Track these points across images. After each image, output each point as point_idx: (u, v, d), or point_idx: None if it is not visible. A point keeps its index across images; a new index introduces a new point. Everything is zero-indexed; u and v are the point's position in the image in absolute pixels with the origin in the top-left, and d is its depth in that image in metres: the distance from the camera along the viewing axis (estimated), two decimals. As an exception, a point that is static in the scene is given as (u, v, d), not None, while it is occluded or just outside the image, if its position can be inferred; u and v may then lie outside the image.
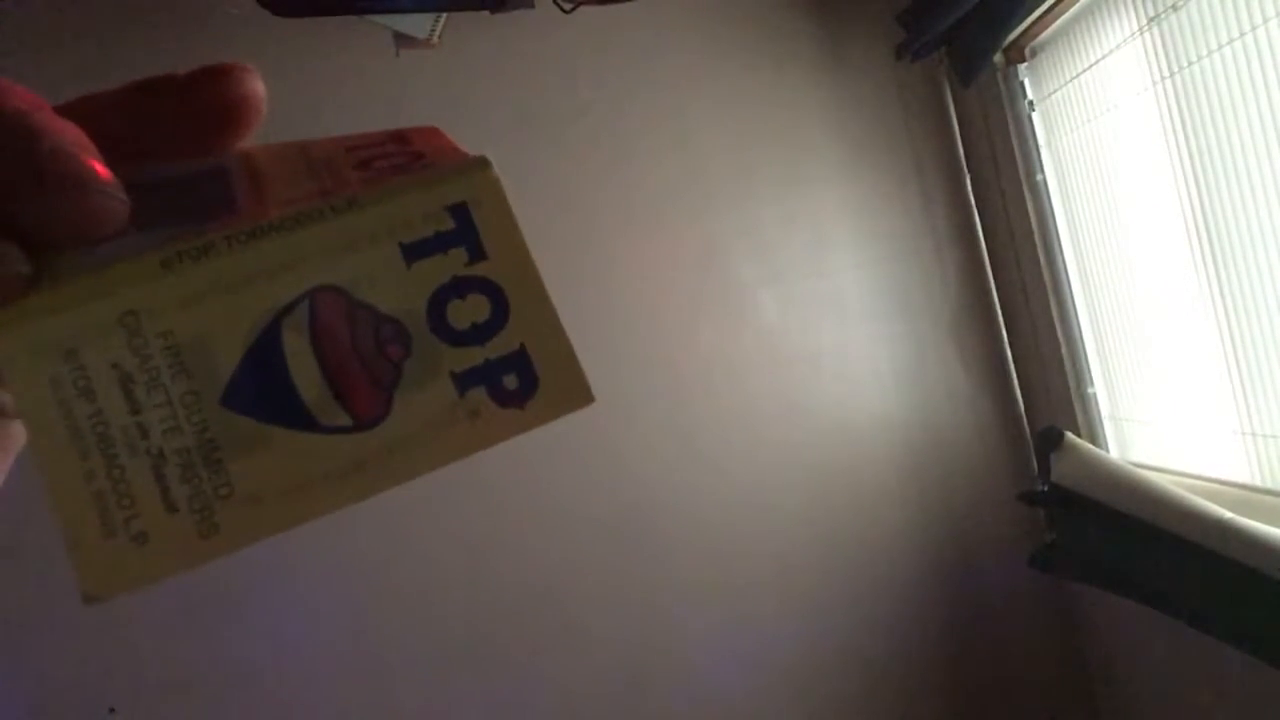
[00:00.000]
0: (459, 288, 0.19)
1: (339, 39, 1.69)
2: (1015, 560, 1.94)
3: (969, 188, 2.04)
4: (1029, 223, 1.89)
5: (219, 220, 0.18)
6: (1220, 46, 1.31)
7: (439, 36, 1.62)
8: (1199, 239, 1.45)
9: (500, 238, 0.20)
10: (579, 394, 0.20)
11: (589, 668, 1.81)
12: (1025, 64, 1.85)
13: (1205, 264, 1.45)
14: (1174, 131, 1.45)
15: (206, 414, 0.18)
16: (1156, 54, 1.45)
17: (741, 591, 1.88)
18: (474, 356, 0.19)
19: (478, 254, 0.19)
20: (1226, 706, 1.57)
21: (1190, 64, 1.38)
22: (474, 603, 1.76)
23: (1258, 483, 1.44)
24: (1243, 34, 1.27)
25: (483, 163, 0.20)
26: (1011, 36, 1.75)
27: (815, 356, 1.95)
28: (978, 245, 2.05)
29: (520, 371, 0.20)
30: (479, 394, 0.19)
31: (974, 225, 2.05)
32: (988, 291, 2.05)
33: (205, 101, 0.20)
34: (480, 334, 0.19)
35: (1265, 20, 1.22)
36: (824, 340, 1.96)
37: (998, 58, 1.85)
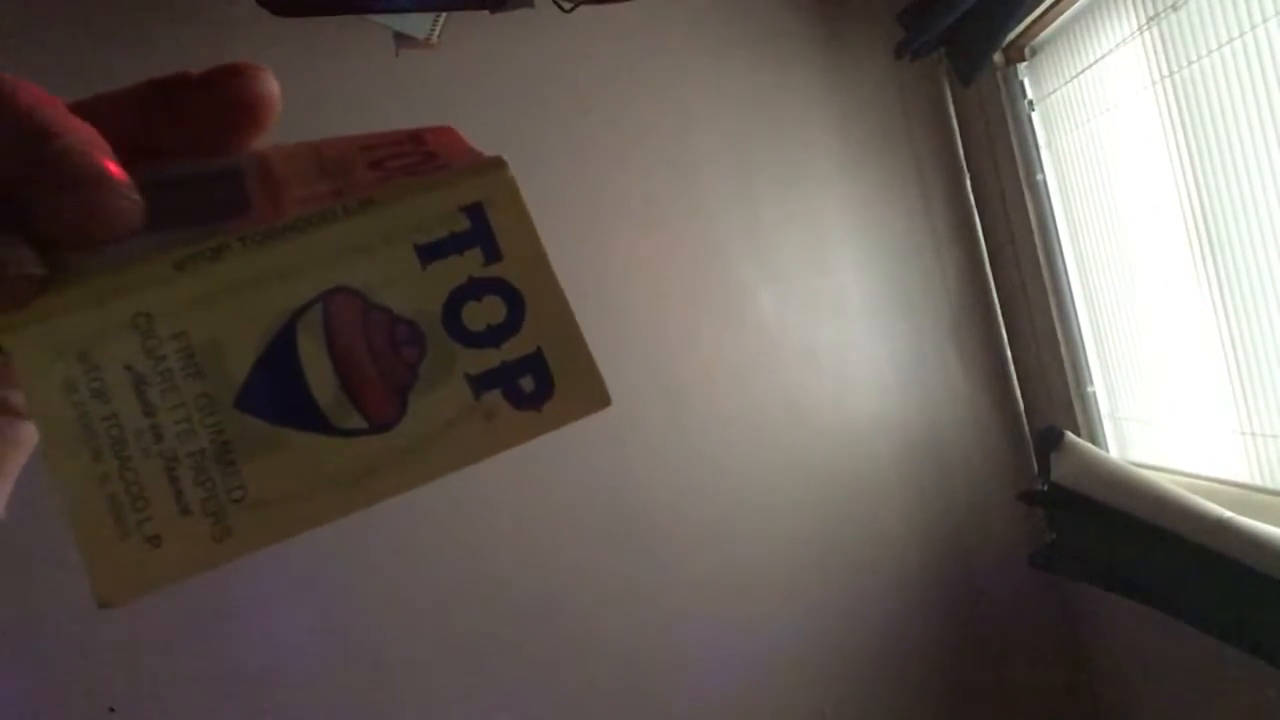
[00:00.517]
0: (475, 289, 0.19)
1: (338, 39, 1.69)
2: (1015, 560, 1.94)
3: (969, 187, 2.04)
4: (1029, 222, 1.89)
5: (233, 221, 0.18)
6: (1220, 46, 1.31)
7: (438, 36, 1.62)
8: (1199, 238, 1.45)
9: (516, 238, 0.19)
10: (596, 396, 0.20)
11: (589, 667, 1.81)
12: (1025, 63, 1.85)
13: (1205, 263, 1.45)
14: (1174, 131, 1.45)
15: (220, 416, 0.18)
16: (1156, 53, 1.45)
17: (741, 590, 1.88)
18: (490, 359, 0.19)
19: (493, 255, 0.19)
20: (1225, 705, 1.57)
21: (1190, 63, 1.38)
22: (474, 603, 1.76)
23: (1257, 482, 1.44)
24: (1242, 33, 1.27)
25: (498, 163, 0.20)
26: (1011, 36, 1.75)
27: (815, 356, 1.95)
28: (977, 245, 2.05)
29: (536, 374, 0.20)
30: (495, 396, 0.19)
31: (974, 225, 2.05)
32: (988, 291, 2.06)
33: (220, 101, 0.20)
34: (496, 336, 0.19)
35: (1265, 19, 1.22)
36: (824, 339, 1.96)
37: (997, 57, 1.85)
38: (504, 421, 0.19)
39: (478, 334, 0.19)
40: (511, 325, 0.19)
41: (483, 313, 0.19)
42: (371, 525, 1.67)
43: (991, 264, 2.05)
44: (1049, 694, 2.03)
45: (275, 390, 0.18)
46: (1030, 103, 1.86)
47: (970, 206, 2.04)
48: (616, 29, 1.83)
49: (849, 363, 1.97)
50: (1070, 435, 1.75)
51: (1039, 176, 1.86)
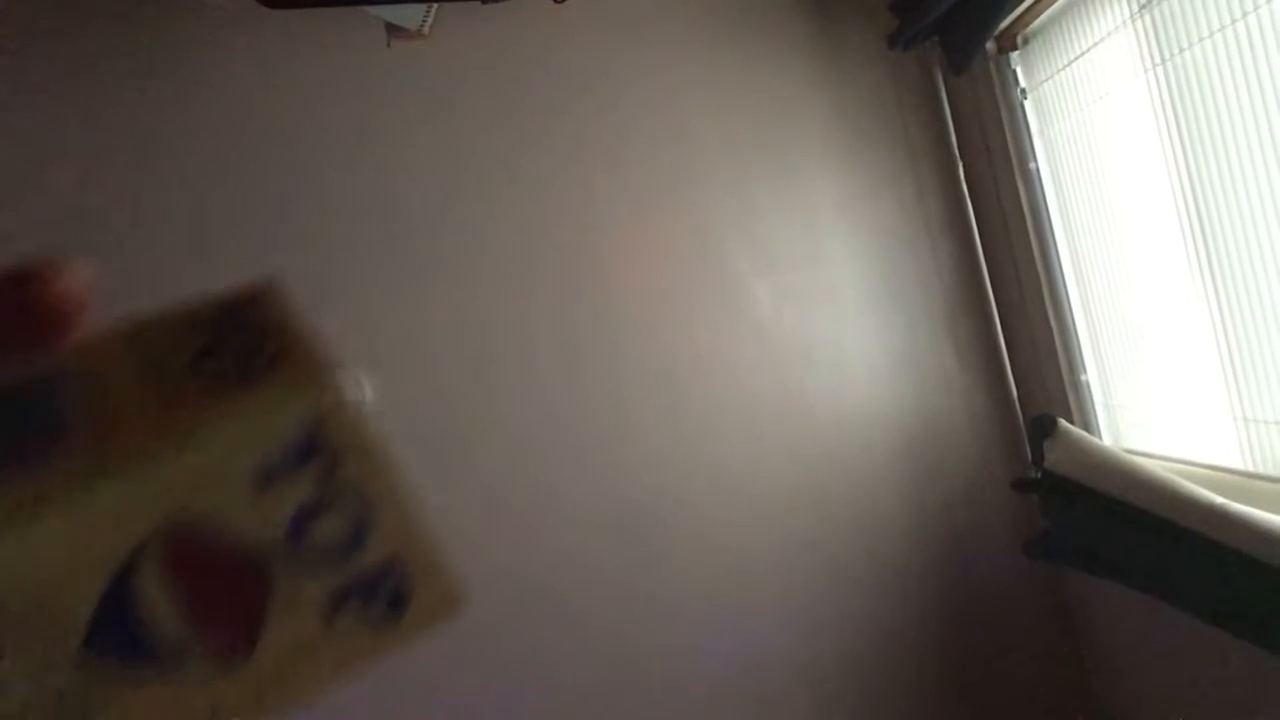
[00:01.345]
0: (318, 505, 0.18)
1: (330, 30, 1.68)
2: (1010, 547, 1.95)
3: (961, 176, 2.04)
4: (1022, 210, 1.89)
5: (53, 448, 0.17)
6: (1211, 34, 1.32)
7: (430, 27, 1.62)
8: (1191, 225, 1.45)
9: (355, 446, 0.18)
10: (451, 601, 0.20)
11: (587, 663, 1.81)
12: (1017, 52, 1.85)
13: (1197, 250, 1.45)
14: (1165, 118, 1.45)
15: (66, 665, 0.17)
16: (1147, 41, 1.45)
17: (736, 577, 1.88)
18: (340, 575, 0.19)
19: (334, 466, 0.18)
20: (1221, 691, 1.58)
21: (1181, 51, 1.38)
22: (472, 600, 1.75)
23: (1250, 468, 1.45)
24: (1233, 21, 1.27)
25: (330, 370, 0.18)
26: (1003, 25, 1.75)
27: (810, 346, 1.95)
28: (971, 233, 2.05)
29: (389, 586, 0.19)
30: (348, 616, 0.19)
31: (967, 213, 2.05)
32: (981, 280, 2.06)
33: (22, 307, 0.18)
34: (344, 551, 0.19)
35: (1255, 7, 1.22)
36: (819, 330, 1.96)
37: (990, 46, 1.85)
38: (359, 639, 0.19)
39: (325, 551, 0.18)
40: (358, 538, 0.19)
41: (328, 529, 0.18)
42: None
43: (985, 252, 2.05)
44: (1043, 680, 2.04)
45: (119, 632, 0.17)
46: (1023, 91, 1.86)
47: (963, 195, 2.04)
48: (607, 19, 1.82)
49: (844, 352, 1.97)
50: (1064, 423, 1.75)
51: (1031, 164, 1.86)
